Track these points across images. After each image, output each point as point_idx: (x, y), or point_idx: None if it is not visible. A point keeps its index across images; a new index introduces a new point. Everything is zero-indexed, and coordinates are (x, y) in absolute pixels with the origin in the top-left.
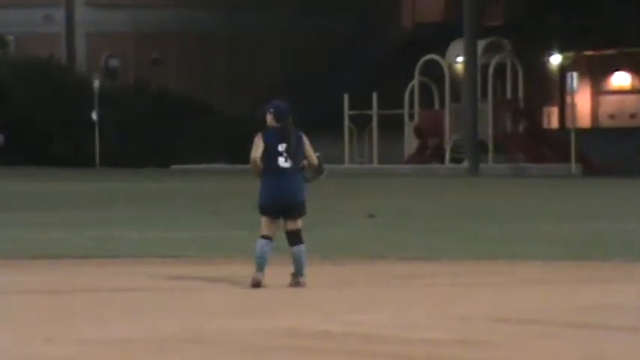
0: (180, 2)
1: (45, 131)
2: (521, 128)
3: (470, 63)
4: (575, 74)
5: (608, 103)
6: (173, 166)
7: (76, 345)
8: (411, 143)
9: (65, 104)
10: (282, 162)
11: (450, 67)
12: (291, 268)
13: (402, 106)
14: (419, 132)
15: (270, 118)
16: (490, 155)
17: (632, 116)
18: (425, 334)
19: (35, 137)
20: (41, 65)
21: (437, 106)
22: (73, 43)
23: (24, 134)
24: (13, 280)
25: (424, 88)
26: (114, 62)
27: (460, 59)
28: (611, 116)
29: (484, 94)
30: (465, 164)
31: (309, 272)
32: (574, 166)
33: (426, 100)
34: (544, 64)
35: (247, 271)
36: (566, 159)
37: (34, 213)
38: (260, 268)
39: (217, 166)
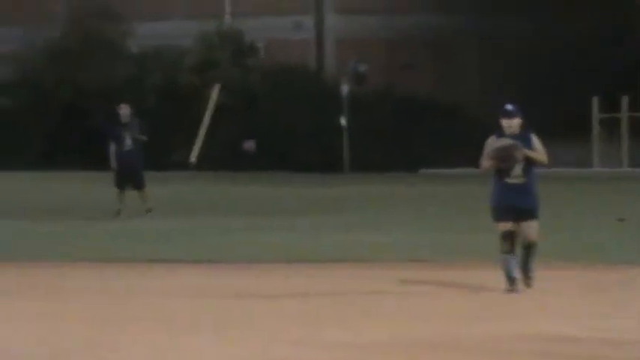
0: (429, 7)
1: (294, 137)
2: None
3: None
4: None
5: None
6: (422, 170)
7: (324, 348)
8: None
9: (314, 110)
10: None
11: None
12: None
13: None
14: None
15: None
16: None
17: None
18: None
19: (284, 143)
20: (290, 72)
21: None
22: (322, 50)
23: (274, 140)
24: (261, 284)
25: None
26: (363, 68)
27: None
28: None
29: None
30: None
31: (554, 276)
32: None
33: None
34: None
35: (491, 275)
36: None
37: (283, 217)
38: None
39: (466, 170)
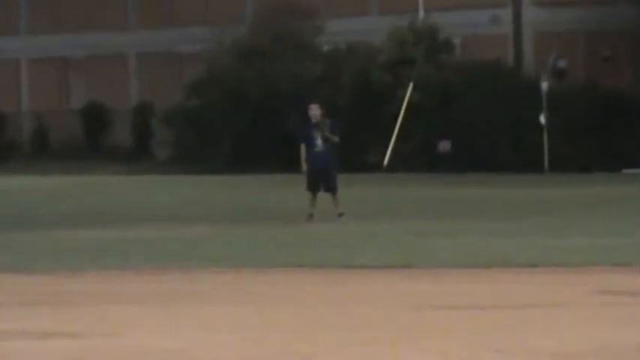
0: None
1: (491, 136)
2: None
3: None
4: None
5: None
6: (624, 170)
7: (527, 357)
8: None
9: (512, 107)
10: None
11: None
12: None
13: None
14: None
15: None
16: None
17: None
18: None
19: (481, 142)
20: (487, 68)
21: None
22: (520, 44)
23: (470, 140)
24: (457, 290)
25: None
26: (562, 62)
27: None
28: None
29: None
30: None
31: None
32: None
33: None
34: None
35: None
36: None
37: (480, 220)
38: None
39: None
